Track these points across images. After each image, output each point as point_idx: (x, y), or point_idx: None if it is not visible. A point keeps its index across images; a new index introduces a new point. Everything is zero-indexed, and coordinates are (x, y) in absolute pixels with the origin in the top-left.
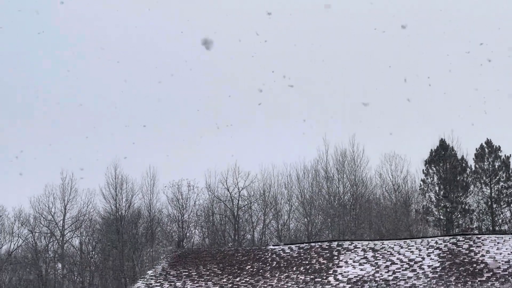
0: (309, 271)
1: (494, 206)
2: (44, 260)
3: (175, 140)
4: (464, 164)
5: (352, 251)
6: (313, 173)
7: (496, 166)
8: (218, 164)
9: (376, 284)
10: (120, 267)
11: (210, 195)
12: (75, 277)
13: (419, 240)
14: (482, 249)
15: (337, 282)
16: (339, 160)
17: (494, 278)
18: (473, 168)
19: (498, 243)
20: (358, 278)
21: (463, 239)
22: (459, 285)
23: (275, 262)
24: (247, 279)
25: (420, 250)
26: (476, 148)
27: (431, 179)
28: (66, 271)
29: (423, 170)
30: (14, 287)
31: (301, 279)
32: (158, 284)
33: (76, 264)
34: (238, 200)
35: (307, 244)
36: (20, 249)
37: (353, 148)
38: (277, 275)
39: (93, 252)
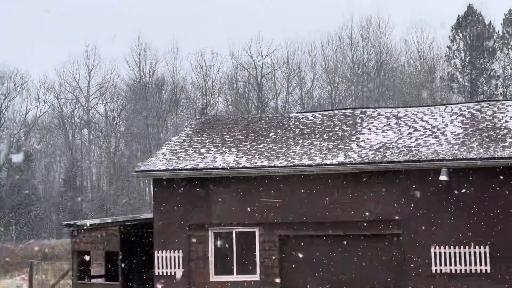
0: (332, 138)
1: None
2: (70, 126)
3: (197, 9)
4: (491, 30)
5: (375, 118)
6: (337, 40)
7: None
8: (241, 31)
9: (398, 151)
10: (145, 133)
11: (233, 62)
12: (101, 143)
13: (442, 107)
14: (506, 115)
15: (360, 149)
16: (364, 26)
17: None
18: (501, 33)
19: None
20: (380, 145)
21: (487, 105)
22: (482, 150)
23: (298, 129)
24: (271, 146)
25: (443, 117)
26: (505, 13)
27: (457, 45)
28: (92, 137)
29: (449, 36)
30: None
31: (324, 145)
32: (183, 150)
33: (102, 131)
34: (262, 68)
35: (330, 112)
36: (46, 115)
37: (378, 14)
38: (300, 142)
39: (118, 119)
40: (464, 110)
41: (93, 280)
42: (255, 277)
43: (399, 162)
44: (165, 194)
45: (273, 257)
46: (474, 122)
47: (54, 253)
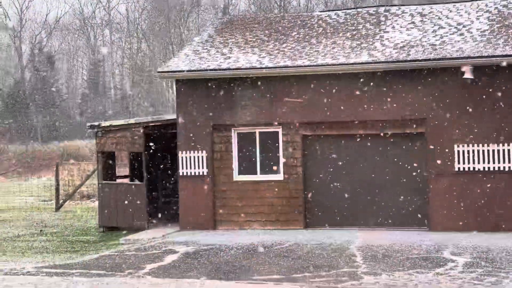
0: (356, 37)
1: None
2: (91, 26)
3: None
4: None
5: (399, 16)
6: None
7: None
8: None
9: (422, 49)
10: (167, 33)
11: None
12: (123, 44)
13: (468, 4)
14: None
15: (384, 48)
16: None
17: None
18: None
19: None
20: (404, 43)
21: None
22: (507, 48)
23: (321, 29)
24: (293, 45)
25: (469, 14)
26: None
27: None
28: (113, 38)
29: None
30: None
31: (347, 44)
32: (205, 50)
33: (123, 31)
34: None
35: (353, 10)
36: (67, 15)
37: None
38: (323, 41)
39: (140, 19)
40: (491, 7)
41: (118, 181)
42: (278, 177)
43: (423, 60)
44: (188, 95)
45: (296, 157)
46: (500, 19)
47: (79, 154)
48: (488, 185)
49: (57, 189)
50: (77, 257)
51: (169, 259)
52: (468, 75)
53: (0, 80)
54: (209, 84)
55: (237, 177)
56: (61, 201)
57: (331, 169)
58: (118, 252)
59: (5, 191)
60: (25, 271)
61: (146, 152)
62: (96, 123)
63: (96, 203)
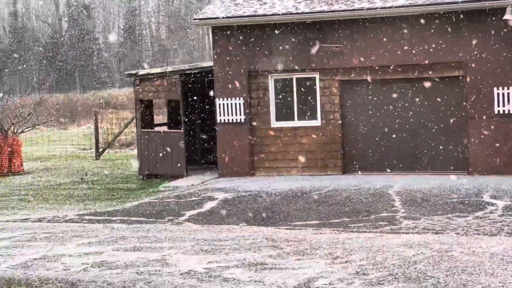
0: None
1: None
2: None
3: None
4: None
5: None
6: None
7: None
8: None
9: None
10: None
11: None
12: None
13: None
14: None
15: None
16: None
17: None
18: None
19: None
20: None
21: None
22: None
23: None
24: None
25: None
26: None
27: None
28: None
29: None
30: None
31: None
32: None
33: None
34: None
35: None
36: None
37: None
38: None
39: None
40: None
41: (156, 128)
42: (316, 122)
43: (462, 2)
44: (224, 42)
45: (334, 103)
46: None
47: (117, 102)
48: None
49: (96, 138)
50: (117, 204)
51: (208, 205)
52: (508, 16)
53: (39, 30)
54: (245, 31)
55: (274, 123)
56: (100, 150)
57: (369, 114)
58: (157, 199)
59: (46, 140)
60: (68, 219)
61: (183, 100)
62: (134, 72)
63: (135, 151)
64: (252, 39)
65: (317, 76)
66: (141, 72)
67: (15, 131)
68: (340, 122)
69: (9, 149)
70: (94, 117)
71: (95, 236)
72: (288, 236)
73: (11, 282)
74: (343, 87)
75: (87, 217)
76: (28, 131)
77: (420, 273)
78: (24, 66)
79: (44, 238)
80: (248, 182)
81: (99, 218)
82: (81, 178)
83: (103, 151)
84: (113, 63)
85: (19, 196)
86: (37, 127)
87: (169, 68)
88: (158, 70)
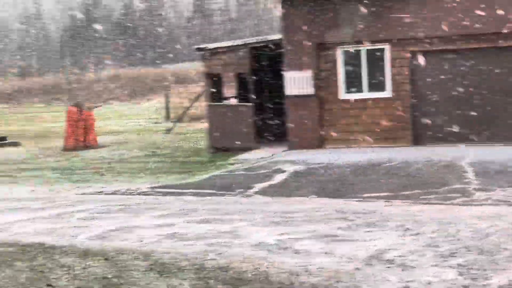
0: None
1: None
2: None
3: None
4: None
5: None
6: None
7: None
8: None
9: None
10: None
11: None
12: None
13: None
14: None
15: None
16: None
17: None
18: None
19: None
20: None
21: None
22: None
23: None
24: None
25: None
26: None
27: None
28: None
29: None
30: None
31: None
32: None
33: None
34: None
35: None
36: None
37: None
38: None
39: None
40: None
41: (225, 102)
42: (386, 94)
43: None
44: (293, 14)
45: (404, 74)
46: None
47: (187, 76)
48: None
49: (167, 112)
50: (188, 177)
51: (278, 178)
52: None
53: (110, 4)
54: (314, 3)
55: (343, 95)
56: (171, 123)
57: (441, 85)
58: (227, 172)
59: (119, 115)
60: (140, 191)
61: (252, 73)
62: (203, 46)
63: (205, 124)
64: (321, 11)
65: (386, 47)
66: (210, 46)
67: (89, 106)
68: (410, 93)
69: (83, 124)
70: (165, 92)
71: (167, 209)
72: (358, 208)
73: (88, 252)
74: (414, 58)
75: (159, 190)
76: (101, 105)
77: (494, 245)
78: (97, 42)
79: (118, 210)
80: (318, 155)
81: (171, 190)
82: (153, 152)
83: (174, 125)
84: (183, 37)
85: (94, 169)
86: (110, 101)
87: (238, 42)
88: (227, 43)
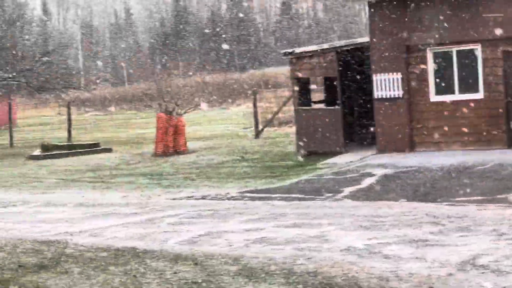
0: None
1: None
2: None
3: None
4: None
5: None
6: None
7: None
8: None
9: None
10: None
11: None
12: None
13: None
14: None
15: None
16: None
17: None
18: None
19: None
20: None
21: None
22: None
23: None
24: None
25: None
26: None
27: None
28: None
29: None
30: None
31: None
32: None
33: None
34: None
35: None
36: None
37: None
38: None
39: None
40: None
41: (314, 106)
42: (478, 95)
43: None
44: (380, 16)
45: (497, 74)
46: None
47: (275, 81)
48: None
49: (255, 117)
50: (277, 181)
51: (367, 181)
52: None
53: (199, 12)
54: (401, 4)
55: (434, 97)
56: (259, 128)
57: None
58: (316, 176)
59: (208, 120)
60: (229, 196)
61: (340, 77)
62: (290, 50)
63: (293, 128)
64: (409, 13)
65: (478, 47)
66: (297, 50)
67: (179, 112)
68: (504, 94)
69: (173, 130)
70: (253, 97)
71: (256, 213)
72: (450, 212)
73: (178, 257)
74: (507, 58)
75: (248, 195)
76: (190, 111)
77: None
78: (186, 48)
79: (208, 215)
80: (407, 158)
81: (260, 195)
82: (242, 156)
83: (262, 130)
84: (271, 41)
85: (183, 175)
86: (199, 107)
87: (325, 45)
88: (314, 47)
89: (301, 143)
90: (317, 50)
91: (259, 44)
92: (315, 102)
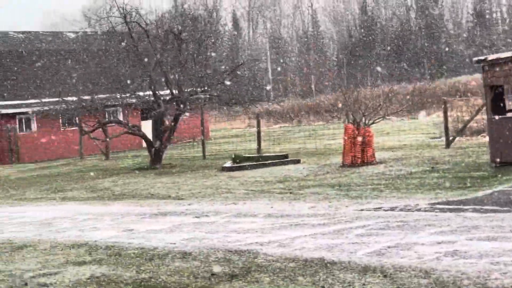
0: None
1: None
2: None
3: None
4: None
5: None
6: None
7: None
8: None
9: None
10: None
11: None
12: None
13: None
14: None
15: None
16: None
17: None
18: None
19: None
20: None
21: None
22: None
23: None
24: None
25: None
26: None
27: None
28: None
29: None
30: None
31: None
32: None
33: None
34: None
35: None
36: None
37: None
38: None
39: None
40: None
41: (508, 114)
42: None
43: None
44: None
45: None
46: None
47: (467, 89)
48: None
49: (446, 126)
50: (469, 193)
51: None
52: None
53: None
54: None
55: None
56: (450, 138)
57: None
58: (511, 187)
59: (396, 130)
60: (419, 207)
61: None
62: (483, 57)
63: (486, 138)
64: None
65: None
66: (490, 57)
67: (367, 122)
68: None
69: (361, 140)
70: (443, 105)
71: (447, 225)
72: None
73: (367, 269)
74: None
75: (438, 206)
76: (378, 121)
77: None
78: (374, 58)
79: (396, 227)
80: None
81: (451, 207)
82: (432, 167)
83: (453, 139)
84: (463, 48)
85: (371, 186)
86: (387, 117)
87: None
88: (509, 54)
89: (495, 153)
90: (511, 57)
91: (450, 52)
92: (509, 111)
